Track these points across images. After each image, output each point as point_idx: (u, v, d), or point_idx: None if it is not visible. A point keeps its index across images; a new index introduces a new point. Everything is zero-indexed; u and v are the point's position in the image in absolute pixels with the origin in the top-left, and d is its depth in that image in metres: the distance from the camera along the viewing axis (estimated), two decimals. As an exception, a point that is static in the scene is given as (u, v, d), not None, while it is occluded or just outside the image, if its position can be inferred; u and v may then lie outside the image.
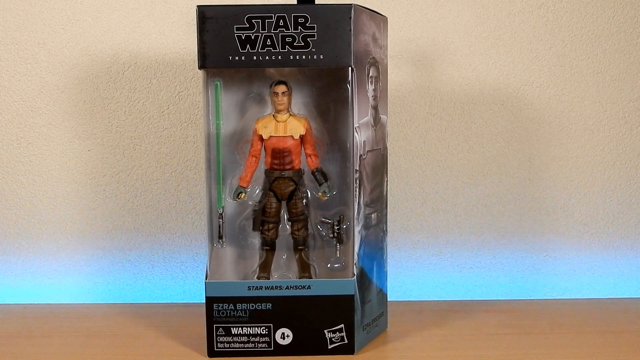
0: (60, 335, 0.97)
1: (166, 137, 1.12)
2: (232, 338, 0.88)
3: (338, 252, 0.91)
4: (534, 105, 1.13)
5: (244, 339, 0.88)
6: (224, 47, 0.83)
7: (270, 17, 0.83)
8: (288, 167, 0.89)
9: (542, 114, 1.13)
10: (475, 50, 1.12)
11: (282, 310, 0.87)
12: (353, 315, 0.88)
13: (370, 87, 0.90)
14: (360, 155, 0.88)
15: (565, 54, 1.12)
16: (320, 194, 0.90)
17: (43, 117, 1.11)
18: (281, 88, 0.88)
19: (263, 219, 0.91)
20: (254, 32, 0.83)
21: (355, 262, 0.88)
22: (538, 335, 0.95)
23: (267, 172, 0.90)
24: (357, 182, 0.88)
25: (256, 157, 0.90)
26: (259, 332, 0.88)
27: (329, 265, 0.92)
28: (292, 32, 0.83)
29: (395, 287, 1.11)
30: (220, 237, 0.91)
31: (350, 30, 0.83)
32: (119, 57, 1.10)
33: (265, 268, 0.91)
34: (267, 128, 0.88)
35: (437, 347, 0.91)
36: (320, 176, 0.90)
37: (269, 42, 0.83)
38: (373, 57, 0.90)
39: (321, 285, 0.88)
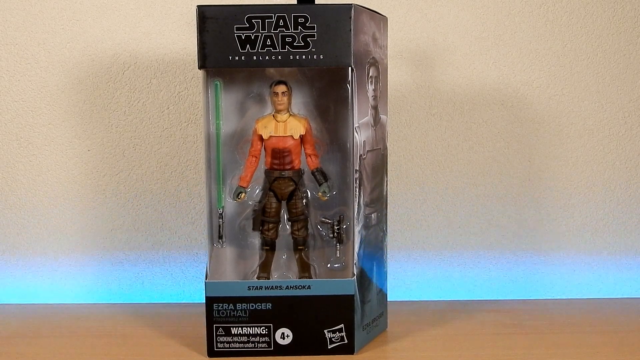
0: (60, 335, 0.97)
1: (166, 137, 1.12)
2: (232, 338, 0.88)
3: (338, 252, 0.91)
4: (534, 105, 1.13)
5: (244, 339, 0.88)
6: (224, 47, 0.83)
7: (270, 17, 0.83)
8: (288, 167, 0.89)
9: (542, 114, 1.13)
10: (475, 50, 1.12)
11: (282, 310, 0.87)
12: (353, 315, 0.88)
13: (370, 87, 0.90)
14: (360, 155, 0.88)
15: (565, 54, 1.12)
16: (320, 194, 0.90)
17: (43, 117, 1.11)
18: (281, 88, 0.88)
19: (263, 219, 0.91)
20: (254, 32, 0.83)
21: (355, 262, 0.88)
22: (538, 335, 0.95)
23: (267, 172, 0.90)
24: (357, 182, 0.88)
25: (256, 157, 0.90)
26: (258, 332, 0.88)
27: (329, 265, 0.92)
28: (292, 32, 0.83)
29: (395, 287, 1.11)
30: (220, 237, 0.91)
31: (350, 30, 0.83)
32: (119, 57, 1.10)
33: (265, 268, 0.91)
34: (267, 128, 0.88)
35: (437, 347, 0.91)
36: (320, 176, 0.90)
37: (269, 42, 0.83)
38: (373, 57, 0.90)
39: (321, 285, 0.88)
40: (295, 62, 0.83)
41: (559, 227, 1.15)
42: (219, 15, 0.83)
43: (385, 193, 0.96)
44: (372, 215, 0.93)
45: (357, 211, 0.88)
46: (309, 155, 0.90)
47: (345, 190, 0.89)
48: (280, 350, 0.88)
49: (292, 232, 0.91)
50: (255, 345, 0.88)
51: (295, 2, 0.86)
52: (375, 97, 0.91)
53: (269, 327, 0.88)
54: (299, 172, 0.90)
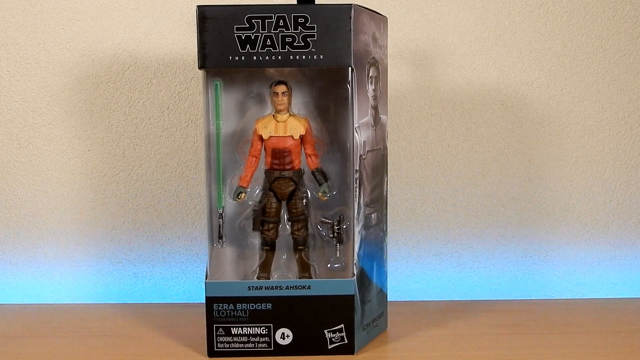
0: (60, 335, 0.97)
1: (166, 137, 1.12)
2: (232, 338, 0.88)
3: (338, 252, 0.91)
4: (534, 105, 1.13)
5: (244, 339, 0.88)
6: (224, 47, 0.83)
7: (270, 17, 0.83)
8: (288, 167, 0.89)
9: (542, 114, 1.13)
10: (475, 50, 1.12)
11: (282, 310, 0.87)
12: (353, 315, 0.88)
13: (370, 87, 0.90)
14: (360, 155, 0.88)
15: (565, 54, 1.12)
16: (320, 194, 0.90)
17: (43, 117, 1.11)
18: (281, 88, 0.88)
19: (263, 219, 0.91)
20: (254, 32, 0.83)
21: (355, 262, 0.88)
22: (538, 335, 0.95)
23: (267, 172, 0.90)
24: (357, 182, 0.88)
25: (256, 157, 0.90)
26: (259, 332, 0.88)
27: (329, 265, 0.92)
28: (292, 32, 0.83)
29: (395, 287, 1.11)
30: (220, 237, 0.91)
31: (350, 30, 0.83)
32: (119, 57, 1.10)
33: (265, 268, 0.91)
34: (267, 128, 0.88)
35: (437, 347, 0.91)
36: (320, 176, 0.90)
37: (269, 42, 0.83)
38: (373, 57, 0.90)
39: (321, 285, 0.88)
40: (295, 62, 0.83)
41: (559, 227, 1.15)
42: (219, 15, 0.83)
43: (385, 193, 0.96)
44: (372, 215, 0.93)
45: (357, 211, 0.88)
46: (309, 155, 0.90)
47: (345, 190, 0.89)
48: (281, 350, 0.88)
49: (292, 232, 0.91)
50: (255, 345, 0.88)
51: (295, 2, 0.86)
52: (375, 97, 0.91)
53: (269, 327, 0.88)
54: (299, 172, 0.90)
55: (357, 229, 0.89)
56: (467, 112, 1.13)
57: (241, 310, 0.87)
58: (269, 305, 0.87)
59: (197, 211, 1.13)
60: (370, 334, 0.93)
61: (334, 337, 0.88)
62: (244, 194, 0.90)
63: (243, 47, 0.83)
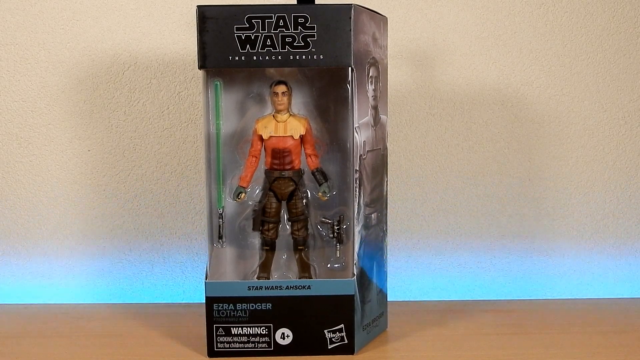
0: (60, 335, 0.97)
1: (166, 137, 1.12)
2: (232, 338, 0.88)
3: (338, 252, 0.91)
4: (534, 105, 1.13)
5: (244, 339, 0.88)
6: (224, 47, 0.83)
7: (270, 17, 0.83)
8: (288, 167, 0.89)
9: (542, 114, 1.13)
10: (475, 50, 1.12)
11: (282, 310, 0.87)
12: (353, 315, 0.88)
13: (370, 87, 0.90)
14: (360, 155, 0.88)
15: (565, 54, 1.12)
16: (320, 194, 0.90)
17: (43, 117, 1.11)
18: (281, 88, 0.88)
19: (263, 219, 0.91)
20: (254, 32, 0.83)
21: (355, 262, 0.88)
22: (538, 335, 0.95)
23: (267, 172, 0.90)
24: (357, 182, 0.88)
25: (256, 157, 0.90)
26: (259, 332, 0.88)
27: (329, 265, 0.92)
28: (292, 32, 0.83)
29: (395, 287, 1.11)
30: (220, 237, 0.91)
31: (350, 30, 0.83)
32: (119, 57, 1.10)
33: (265, 268, 0.91)
34: (267, 128, 0.88)
35: (437, 347, 0.91)
36: (320, 176, 0.90)
37: (269, 42, 0.83)
38: (373, 57, 0.90)
39: (321, 285, 0.88)
40: (295, 62, 0.83)
41: (559, 227, 1.15)
42: (219, 15, 0.83)
43: (385, 193, 0.96)
44: (372, 215, 0.93)
45: (357, 211, 0.88)
46: (309, 155, 0.90)
47: (345, 190, 0.89)
48: (280, 350, 0.88)
49: (292, 232, 0.91)
50: (255, 345, 0.88)
51: (295, 2, 0.86)
52: (375, 97, 0.91)
53: (269, 327, 0.88)
54: (299, 172, 0.90)
55: (357, 229, 0.89)
56: (467, 112, 1.13)
57: (241, 310, 0.87)
58: (269, 305, 0.87)
59: (197, 211, 1.13)
60: (370, 334, 0.93)
61: (334, 337, 0.88)
62: (244, 194, 0.90)
63: (243, 47, 0.83)
